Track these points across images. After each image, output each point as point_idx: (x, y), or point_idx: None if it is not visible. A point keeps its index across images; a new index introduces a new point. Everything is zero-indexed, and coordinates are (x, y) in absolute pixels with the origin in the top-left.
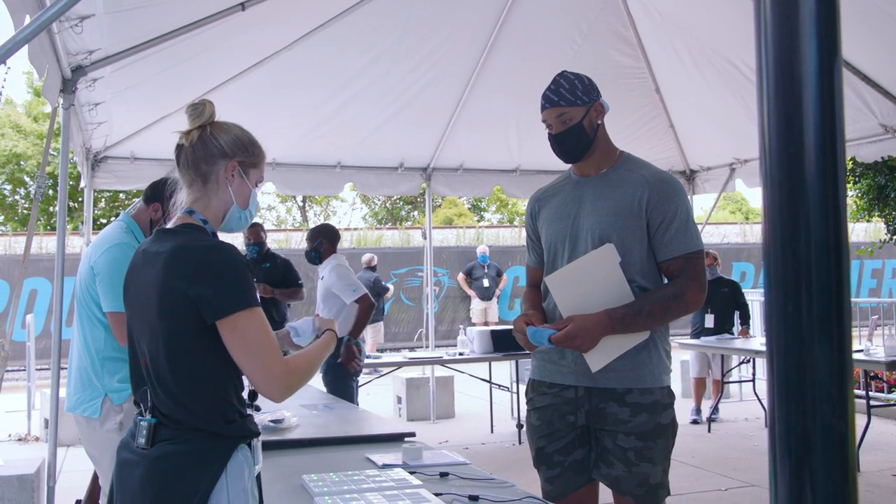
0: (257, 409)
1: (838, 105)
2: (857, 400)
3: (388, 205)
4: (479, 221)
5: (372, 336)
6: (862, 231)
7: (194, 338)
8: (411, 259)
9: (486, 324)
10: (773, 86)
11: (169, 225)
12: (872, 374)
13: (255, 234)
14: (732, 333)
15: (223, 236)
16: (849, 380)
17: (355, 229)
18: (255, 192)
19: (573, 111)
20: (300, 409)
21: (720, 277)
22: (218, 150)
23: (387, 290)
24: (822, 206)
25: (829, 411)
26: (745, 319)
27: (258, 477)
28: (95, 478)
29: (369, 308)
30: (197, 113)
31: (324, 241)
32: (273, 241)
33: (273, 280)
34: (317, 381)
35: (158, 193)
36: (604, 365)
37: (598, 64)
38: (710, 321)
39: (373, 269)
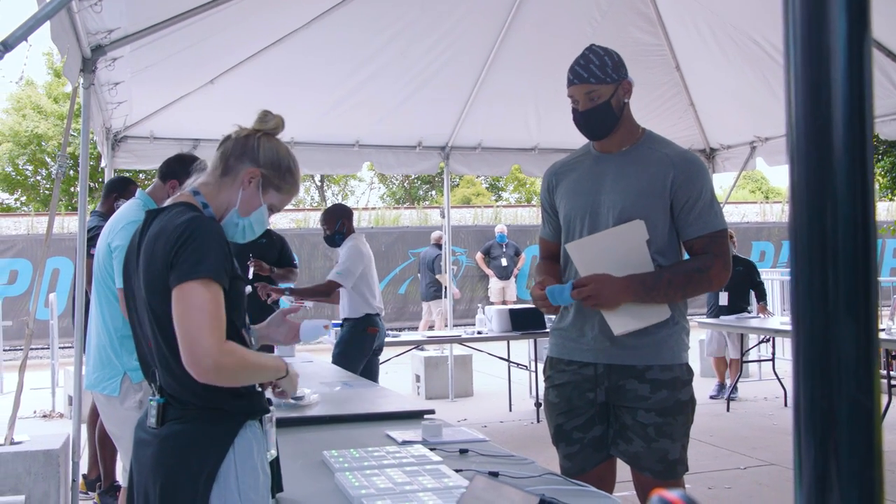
0: None
1: (867, 76)
2: None
3: (405, 184)
4: (496, 201)
5: (436, 314)
6: (884, 210)
7: None
8: (429, 238)
9: (504, 303)
10: (800, 56)
11: (167, 202)
12: (894, 354)
13: None
14: (749, 311)
15: None
16: (874, 356)
17: (373, 209)
18: (264, 210)
19: (602, 89)
20: (320, 386)
21: (735, 256)
22: (251, 155)
23: (440, 271)
24: (850, 181)
25: (854, 387)
26: (762, 296)
27: (277, 458)
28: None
29: (327, 292)
30: (262, 119)
31: (344, 221)
32: (291, 221)
33: (268, 257)
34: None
35: (173, 170)
36: (627, 330)
37: (618, 41)
38: (724, 299)
39: (438, 246)
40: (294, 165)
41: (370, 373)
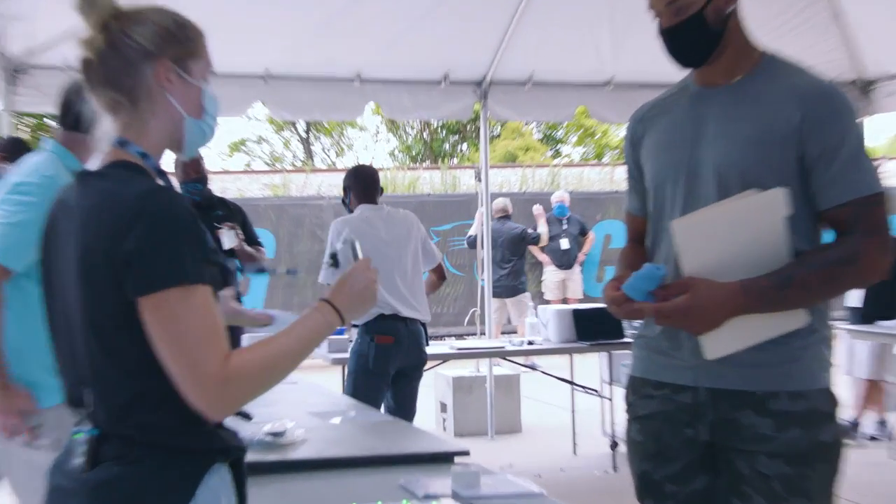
0: (247, 417)
1: None
2: None
3: (425, 135)
4: (554, 158)
5: (516, 314)
6: None
7: (137, 319)
8: (459, 211)
9: (564, 301)
10: None
11: (98, 165)
12: None
13: (196, 165)
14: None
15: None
16: None
17: (380, 169)
18: (206, 91)
19: None
20: (309, 417)
21: None
22: (138, 51)
23: (537, 238)
24: None
25: None
26: None
27: None
28: None
29: None
30: (88, 5)
31: (349, 190)
32: (265, 187)
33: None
34: (330, 380)
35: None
36: (725, 354)
37: None
38: (854, 298)
39: (507, 217)
40: (176, 14)
41: (403, 403)
